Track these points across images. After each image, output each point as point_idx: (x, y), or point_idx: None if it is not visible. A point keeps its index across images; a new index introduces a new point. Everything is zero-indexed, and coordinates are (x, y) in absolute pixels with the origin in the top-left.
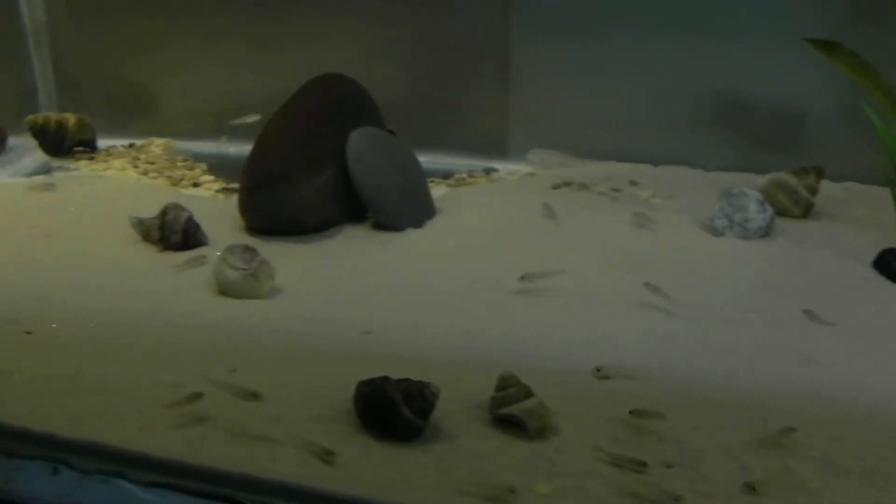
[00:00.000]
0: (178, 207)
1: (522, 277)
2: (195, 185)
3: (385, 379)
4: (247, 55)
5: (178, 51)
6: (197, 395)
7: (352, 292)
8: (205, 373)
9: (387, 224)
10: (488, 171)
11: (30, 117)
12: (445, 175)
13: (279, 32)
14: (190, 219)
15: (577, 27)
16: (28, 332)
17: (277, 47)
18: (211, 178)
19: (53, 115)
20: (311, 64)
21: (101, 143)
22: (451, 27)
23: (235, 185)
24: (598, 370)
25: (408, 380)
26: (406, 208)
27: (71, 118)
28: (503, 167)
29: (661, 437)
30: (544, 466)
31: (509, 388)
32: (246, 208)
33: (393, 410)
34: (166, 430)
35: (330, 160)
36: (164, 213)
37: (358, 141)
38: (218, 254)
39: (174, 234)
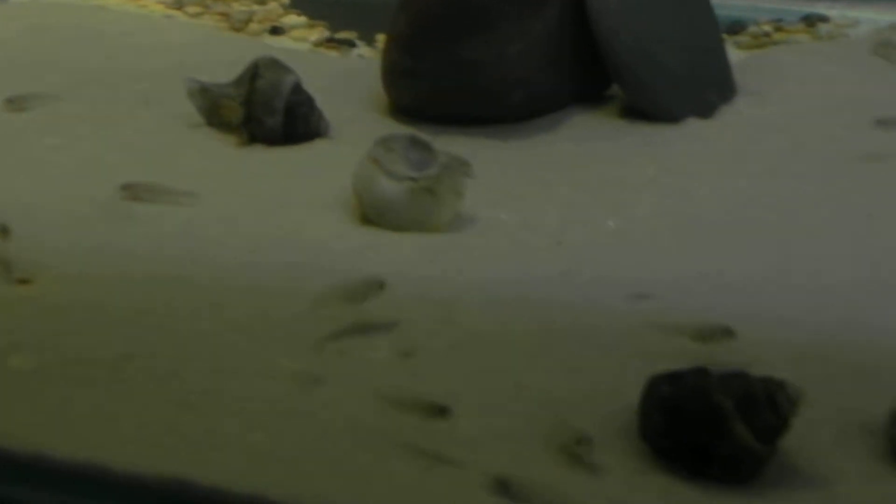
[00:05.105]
0: (275, 66)
1: None
2: (274, 30)
3: (702, 372)
4: None
5: None
6: None
7: (599, 228)
8: (359, 360)
9: (651, 109)
10: (811, 20)
11: None
12: (731, 27)
13: None
14: (298, 88)
15: None
16: (24, 282)
17: None
18: (301, 19)
19: None
20: None
21: None
22: None
23: (351, 36)
24: None
25: (742, 373)
26: (687, 83)
27: None
28: (839, 14)
29: None
30: None
31: None
32: (400, 74)
33: (718, 428)
34: (310, 456)
35: None
36: (252, 74)
37: None
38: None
39: (271, 114)
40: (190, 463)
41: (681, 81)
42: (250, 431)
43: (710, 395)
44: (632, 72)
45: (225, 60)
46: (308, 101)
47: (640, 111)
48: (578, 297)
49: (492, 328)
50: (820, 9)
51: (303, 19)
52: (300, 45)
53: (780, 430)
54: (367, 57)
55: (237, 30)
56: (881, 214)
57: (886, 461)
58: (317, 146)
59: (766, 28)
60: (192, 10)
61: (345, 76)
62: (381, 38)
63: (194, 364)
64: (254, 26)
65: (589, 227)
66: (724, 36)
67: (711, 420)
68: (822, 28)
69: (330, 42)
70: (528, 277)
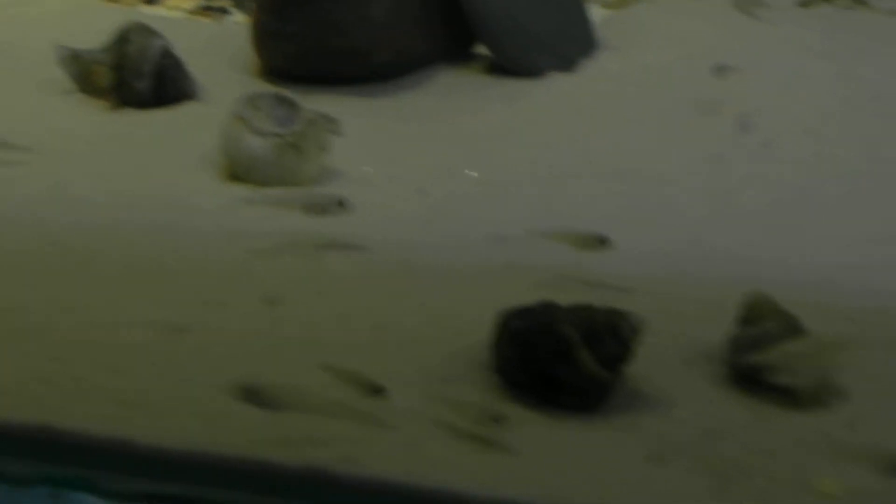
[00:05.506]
0: (144, 31)
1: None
2: (149, 0)
3: (550, 306)
4: None
5: None
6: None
7: (462, 178)
8: (226, 306)
9: (514, 65)
10: None
11: None
12: None
13: None
14: (167, 52)
15: None
16: None
17: None
18: None
19: None
20: None
21: None
22: None
23: (224, 4)
24: None
25: (588, 306)
26: (548, 39)
27: None
28: None
29: None
30: (826, 450)
31: (762, 321)
32: (269, 37)
33: (564, 358)
34: (173, 401)
35: None
36: (121, 40)
37: None
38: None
39: (140, 78)
40: (58, 411)
41: (542, 37)
42: (118, 380)
43: (556, 327)
44: (493, 29)
45: (99, 30)
46: (177, 65)
47: (504, 67)
48: (440, 240)
49: (355, 273)
50: None
51: None
52: (175, 13)
53: (624, 358)
54: (241, 23)
55: (113, 0)
56: (725, 157)
57: (725, 386)
58: (187, 108)
59: None
60: None
61: (218, 41)
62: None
63: (66, 318)
64: None
65: (452, 178)
66: None
67: (559, 350)
68: None
69: (205, 10)
70: (389, 225)
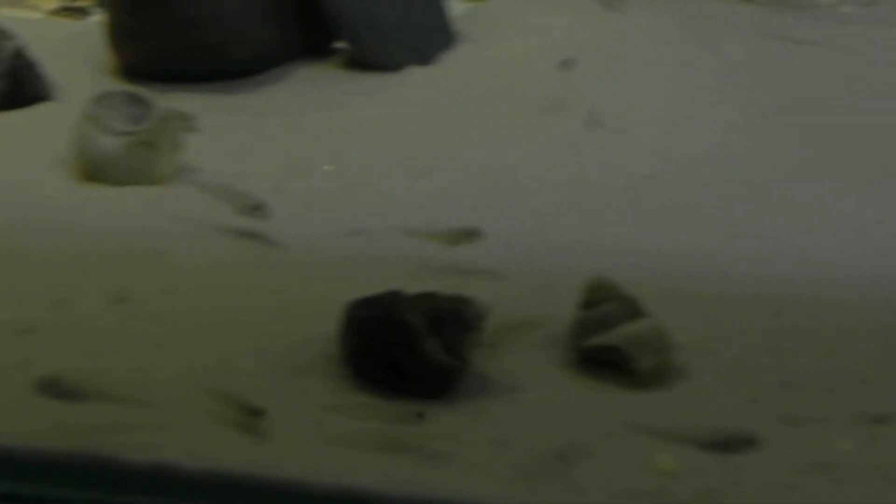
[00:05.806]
0: None
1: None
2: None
3: (395, 295)
4: None
5: None
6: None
7: (318, 172)
8: (74, 304)
9: (372, 59)
10: None
11: None
12: None
13: None
14: (19, 53)
15: None
16: None
17: None
18: None
19: None
20: None
21: None
22: None
23: (86, 4)
24: None
25: (432, 294)
26: (406, 33)
27: None
28: None
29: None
30: (666, 429)
31: (604, 304)
32: (123, 35)
33: (409, 346)
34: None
35: None
36: None
37: None
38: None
39: None
40: None
41: (400, 32)
42: None
43: (401, 315)
44: (351, 24)
45: None
46: (31, 66)
47: (363, 62)
48: (296, 235)
49: (208, 268)
50: None
51: None
52: (34, 14)
53: (470, 345)
54: (102, 23)
55: None
56: (577, 146)
57: (570, 369)
58: (42, 109)
59: None
60: None
61: (77, 42)
62: None
63: None
64: None
65: (310, 173)
66: None
67: (404, 339)
68: None
69: (65, 11)
70: (243, 221)
